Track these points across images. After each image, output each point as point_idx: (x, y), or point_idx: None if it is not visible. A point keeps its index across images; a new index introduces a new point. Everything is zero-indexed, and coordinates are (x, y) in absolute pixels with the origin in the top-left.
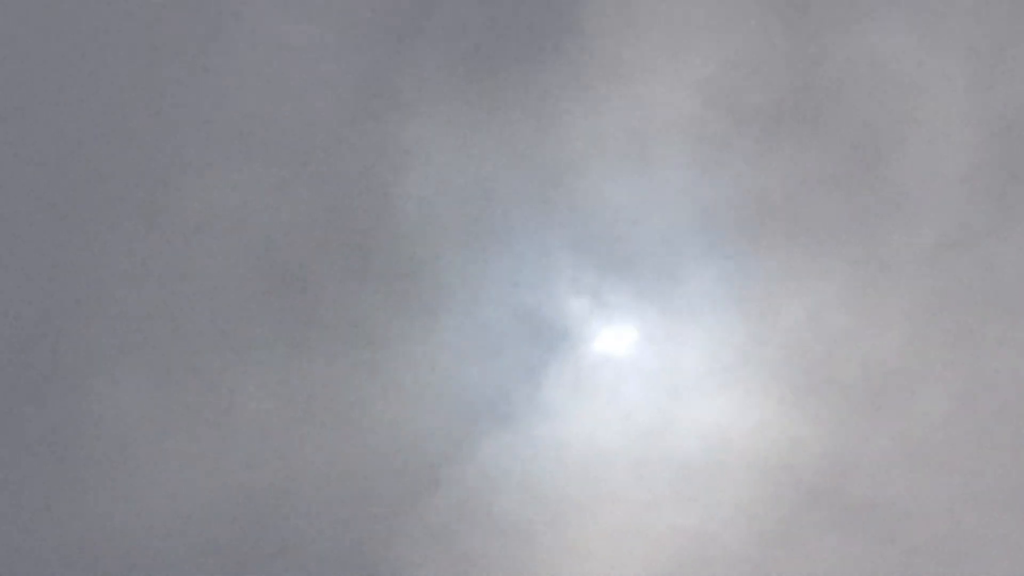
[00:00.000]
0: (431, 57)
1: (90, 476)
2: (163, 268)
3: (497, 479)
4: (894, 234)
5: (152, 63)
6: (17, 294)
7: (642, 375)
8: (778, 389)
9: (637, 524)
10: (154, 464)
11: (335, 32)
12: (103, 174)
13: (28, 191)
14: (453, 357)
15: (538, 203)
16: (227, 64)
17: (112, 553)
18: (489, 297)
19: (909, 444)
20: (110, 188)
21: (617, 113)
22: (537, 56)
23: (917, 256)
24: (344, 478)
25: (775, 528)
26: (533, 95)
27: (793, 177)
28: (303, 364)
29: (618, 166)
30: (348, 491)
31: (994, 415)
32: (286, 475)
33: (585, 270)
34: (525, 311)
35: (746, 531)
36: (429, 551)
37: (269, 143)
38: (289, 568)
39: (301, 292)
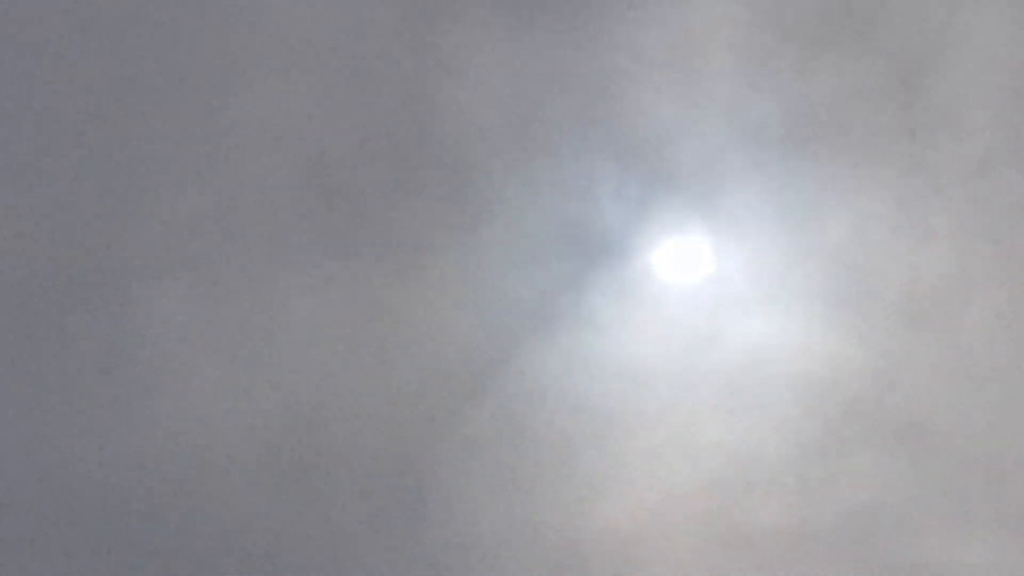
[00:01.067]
0: None
1: (134, 386)
2: (209, 178)
3: (538, 390)
4: (941, 148)
5: None
6: (63, 203)
7: (685, 289)
8: (822, 304)
9: (678, 438)
10: (199, 373)
11: None
12: (152, 84)
13: (76, 99)
14: (496, 266)
15: (582, 115)
16: None
17: (157, 463)
18: (532, 207)
19: (953, 360)
20: (159, 97)
21: (662, 26)
22: None
23: (964, 170)
24: (386, 387)
25: (818, 443)
26: (577, 6)
27: (839, 90)
28: (347, 274)
29: (662, 79)
30: (390, 400)
31: None
32: (329, 384)
33: (629, 183)
34: (568, 222)
35: (788, 446)
36: (469, 461)
37: (314, 54)
38: (330, 476)
39: (346, 202)
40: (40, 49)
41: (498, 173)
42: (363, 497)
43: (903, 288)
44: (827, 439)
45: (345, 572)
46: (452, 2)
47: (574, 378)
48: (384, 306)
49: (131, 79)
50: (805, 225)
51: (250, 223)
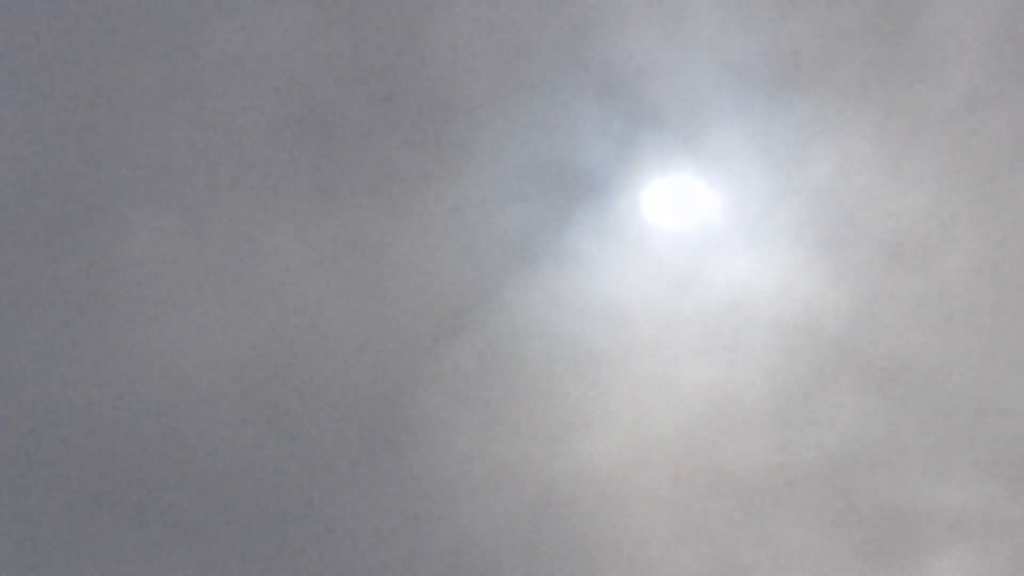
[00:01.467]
0: None
1: (118, 320)
2: (190, 112)
3: (521, 326)
4: (924, 89)
5: None
6: (46, 139)
7: (668, 227)
8: (803, 245)
9: (661, 377)
10: (183, 306)
11: None
12: (130, 16)
13: (56, 36)
14: (479, 204)
15: (567, 54)
16: None
17: (140, 392)
18: (516, 145)
19: (934, 302)
20: (140, 30)
21: None
22: None
23: (947, 112)
24: (369, 323)
25: (798, 384)
26: None
27: (822, 30)
28: (330, 208)
29: (646, 17)
30: (372, 336)
31: (1021, 273)
32: (312, 318)
33: (612, 121)
34: (552, 159)
35: (770, 386)
36: (453, 397)
37: None
38: (312, 410)
39: (330, 139)
40: None
41: (482, 111)
42: (345, 431)
43: (885, 229)
44: (808, 380)
45: (325, 504)
46: None
47: (556, 314)
48: (367, 242)
49: (116, 11)
50: (788, 165)
51: (235, 159)
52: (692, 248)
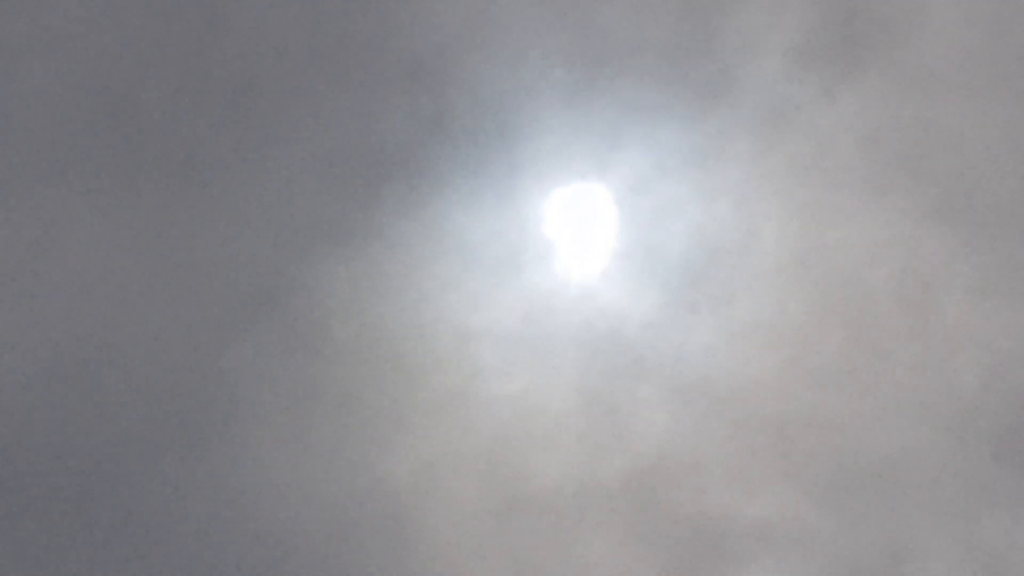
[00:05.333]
0: None
1: None
2: None
3: (332, 306)
4: (727, 100)
5: None
6: None
7: (471, 236)
8: (608, 254)
9: (461, 388)
10: None
11: None
12: None
13: None
14: (287, 184)
15: (374, 35)
16: None
17: None
18: (323, 125)
19: (739, 312)
20: None
21: None
22: None
23: (750, 121)
24: (172, 307)
25: (602, 397)
26: None
27: (628, 33)
28: (132, 192)
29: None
30: (178, 318)
31: (826, 284)
32: (114, 305)
33: (422, 100)
34: (359, 142)
35: (573, 400)
36: (261, 376)
37: None
38: (115, 400)
39: (131, 119)
40: None
41: (287, 91)
42: (148, 418)
43: (688, 241)
44: (612, 393)
45: (126, 496)
46: None
47: (367, 294)
48: (170, 226)
49: None
50: (592, 170)
51: (29, 139)
52: (494, 259)
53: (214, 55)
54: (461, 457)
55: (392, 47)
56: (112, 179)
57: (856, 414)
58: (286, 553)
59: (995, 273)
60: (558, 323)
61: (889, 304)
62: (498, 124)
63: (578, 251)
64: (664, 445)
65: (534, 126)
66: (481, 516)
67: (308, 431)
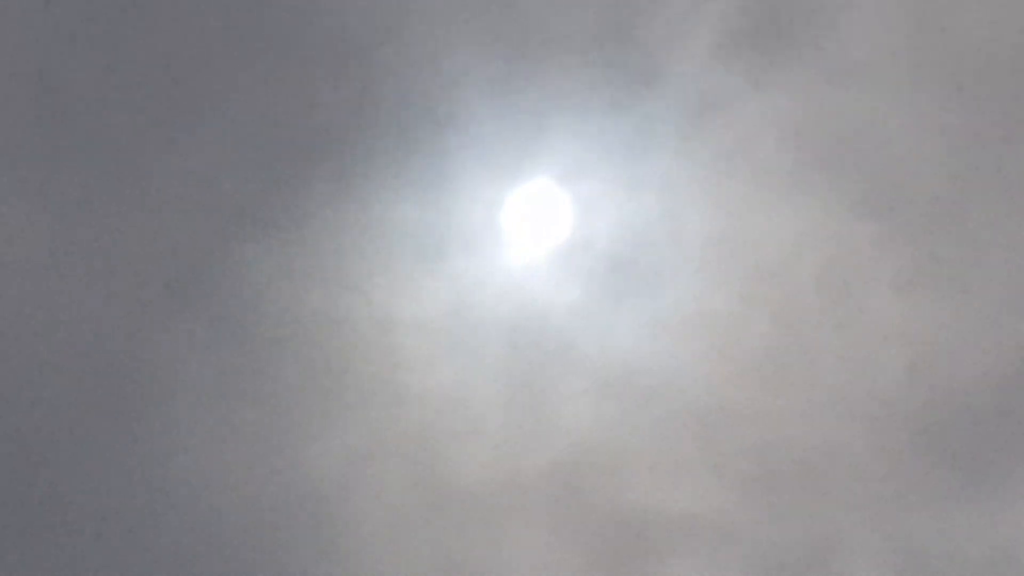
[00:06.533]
0: None
1: None
2: None
3: (256, 292)
4: (650, 94)
5: None
6: None
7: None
8: (533, 247)
9: (386, 378)
10: None
11: None
12: None
13: None
14: (213, 169)
15: (300, 12)
16: None
17: None
18: (247, 109)
19: (664, 306)
20: None
21: None
22: None
23: (674, 117)
24: (96, 289)
25: (526, 389)
26: None
27: (554, 29)
28: (54, 175)
29: None
30: (101, 303)
31: (751, 279)
32: (37, 287)
33: (348, 88)
34: (288, 126)
35: (498, 391)
36: (184, 361)
37: None
38: (39, 384)
39: (52, 101)
40: None
41: (213, 73)
42: (71, 403)
43: (614, 231)
44: (537, 384)
45: (52, 481)
46: None
47: (292, 278)
48: (94, 209)
49: None
50: (518, 160)
51: None
52: (420, 248)
53: (138, 38)
54: (386, 447)
55: (319, 33)
56: (35, 162)
57: (780, 407)
58: (209, 541)
59: (919, 267)
60: (484, 313)
61: (814, 297)
62: (425, 112)
63: (504, 241)
64: (589, 437)
65: (460, 115)
66: (406, 506)
67: (231, 418)
